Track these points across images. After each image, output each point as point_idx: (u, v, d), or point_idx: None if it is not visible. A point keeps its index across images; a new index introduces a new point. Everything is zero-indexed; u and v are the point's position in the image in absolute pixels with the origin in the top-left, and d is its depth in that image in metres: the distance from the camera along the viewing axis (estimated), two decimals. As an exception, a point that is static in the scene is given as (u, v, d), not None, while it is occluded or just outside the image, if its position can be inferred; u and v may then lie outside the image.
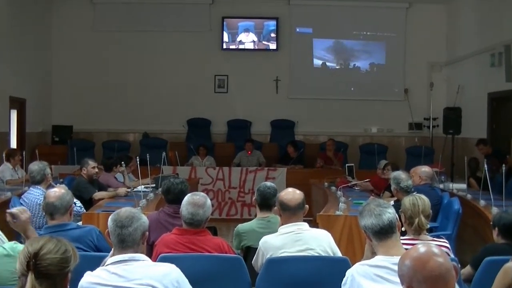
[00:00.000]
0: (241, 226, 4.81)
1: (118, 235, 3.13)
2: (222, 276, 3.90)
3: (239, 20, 13.55)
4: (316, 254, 4.08)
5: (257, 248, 4.40)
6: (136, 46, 13.43)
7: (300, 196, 4.27)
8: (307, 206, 4.32)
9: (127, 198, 7.38)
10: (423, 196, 4.39)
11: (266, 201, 4.84)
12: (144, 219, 3.22)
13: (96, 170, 7.67)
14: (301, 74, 13.61)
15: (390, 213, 3.18)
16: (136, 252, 3.12)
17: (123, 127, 13.44)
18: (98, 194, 7.46)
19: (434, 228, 6.19)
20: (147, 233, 3.23)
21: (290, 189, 4.35)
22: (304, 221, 4.28)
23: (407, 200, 4.32)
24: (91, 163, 7.64)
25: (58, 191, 4.44)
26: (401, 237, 3.50)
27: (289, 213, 4.20)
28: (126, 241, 3.12)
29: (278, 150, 12.77)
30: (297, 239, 4.10)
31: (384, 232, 3.13)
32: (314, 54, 13.69)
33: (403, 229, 4.26)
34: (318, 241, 4.13)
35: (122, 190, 7.63)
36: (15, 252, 3.19)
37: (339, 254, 4.19)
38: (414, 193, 5.12)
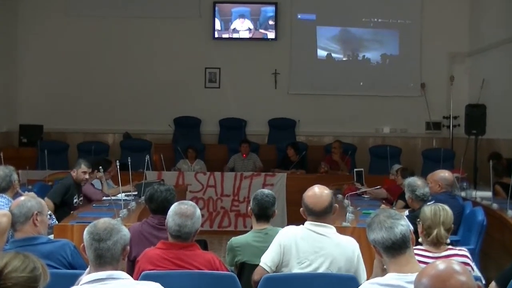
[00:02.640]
0: (235, 240, 4.82)
1: (95, 250, 3.12)
2: (213, 296, 3.90)
3: (233, 5, 13.56)
4: (334, 269, 4.10)
5: (252, 265, 4.40)
6: (115, 34, 13.43)
7: (327, 199, 4.28)
8: (336, 205, 4.37)
9: (106, 208, 7.38)
10: (446, 207, 4.41)
11: (264, 211, 4.85)
12: (125, 232, 3.22)
13: (87, 176, 7.68)
14: (303, 66, 13.61)
15: (403, 226, 3.18)
16: (116, 269, 3.11)
17: (101, 126, 13.42)
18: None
19: (455, 242, 6.20)
20: (128, 247, 3.22)
21: (316, 189, 4.35)
22: None
23: (428, 209, 4.36)
24: (84, 166, 7.64)
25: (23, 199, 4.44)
26: (415, 247, 3.50)
27: (315, 217, 4.26)
28: (104, 256, 3.11)
29: (277, 152, 12.77)
30: (318, 241, 4.16)
31: (396, 248, 3.13)
32: (318, 44, 13.69)
33: (419, 240, 4.28)
34: (342, 250, 4.16)
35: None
36: None
37: (362, 269, 4.20)
38: (433, 202, 5.15)
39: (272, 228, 4.84)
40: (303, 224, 4.30)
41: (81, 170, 7.59)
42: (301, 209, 4.34)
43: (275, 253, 4.22)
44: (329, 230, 4.24)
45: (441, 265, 2.32)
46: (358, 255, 4.19)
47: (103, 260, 3.11)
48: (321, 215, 4.23)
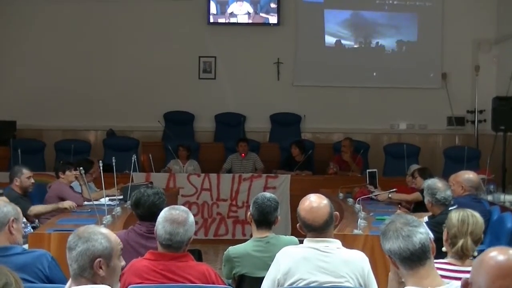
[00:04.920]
0: (232, 249, 4.82)
1: (67, 260, 3.14)
2: (208, 313, 3.90)
3: (230, -15, 13.57)
4: (347, 285, 4.07)
5: (252, 277, 4.40)
6: (97, 20, 13.41)
7: (326, 210, 4.21)
8: (336, 213, 4.31)
9: (87, 214, 7.38)
10: (477, 214, 4.39)
11: (265, 217, 4.84)
12: (98, 241, 3.18)
13: (32, 180, 7.76)
14: (309, 55, 13.60)
15: (422, 234, 3.16)
16: (94, 283, 3.10)
17: (81, 123, 13.41)
18: (34, 209, 7.51)
19: (481, 252, 6.20)
20: (101, 259, 3.19)
21: (312, 201, 4.26)
22: None
23: (455, 215, 4.34)
24: (26, 171, 7.72)
25: None
26: (436, 261, 3.49)
27: (315, 233, 4.20)
28: (73, 268, 3.12)
29: (279, 152, 12.78)
30: (323, 260, 4.11)
31: (415, 259, 3.11)
32: (325, 30, 13.68)
33: (443, 249, 4.26)
34: (350, 267, 4.11)
35: (66, 203, 7.67)
36: None
37: (373, 286, 4.16)
38: (455, 207, 5.15)
39: (275, 236, 4.84)
40: (303, 243, 4.26)
41: (25, 176, 7.70)
42: (298, 224, 4.28)
43: (274, 282, 4.17)
44: (333, 245, 4.19)
45: (502, 255, 2.30)
46: (369, 271, 4.15)
47: (74, 272, 3.12)
48: (322, 229, 4.18)
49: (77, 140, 12.83)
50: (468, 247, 4.18)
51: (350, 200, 8.82)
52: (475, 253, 4.26)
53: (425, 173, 8.37)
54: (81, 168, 7.77)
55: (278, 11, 13.47)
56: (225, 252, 4.85)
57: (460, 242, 4.19)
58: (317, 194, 4.35)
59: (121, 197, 8.43)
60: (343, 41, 13.73)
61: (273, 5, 13.48)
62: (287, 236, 5.05)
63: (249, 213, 4.96)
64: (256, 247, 4.77)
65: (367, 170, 10.11)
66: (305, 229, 4.23)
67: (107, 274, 3.18)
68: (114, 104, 13.35)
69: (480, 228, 4.31)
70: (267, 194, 5.01)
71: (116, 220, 7.01)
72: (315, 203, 4.23)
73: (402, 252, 3.12)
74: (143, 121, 13.38)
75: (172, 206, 4.28)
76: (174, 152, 11.83)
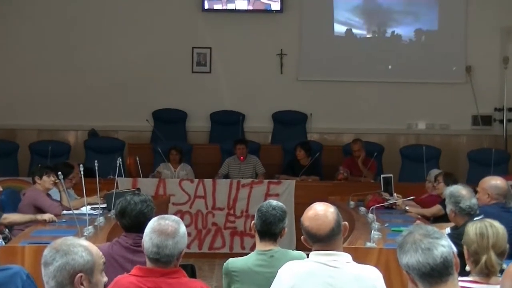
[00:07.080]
0: (232, 262, 4.81)
1: (43, 277, 3.13)
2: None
3: (228, -33, 13.58)
4: None
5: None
6: (78, 8, 13.40)
7: (333, 217, 4.21)
8: (345, 223, 4.30)
9: (67, 225, 7.38)
10: (496, 224, 4.37)
11: (268, 227, 4.83)
12: (80, 254, 3.17)
13: (0, 188, 7.78)
14: (316, 46, 13.61)
15: (444, 247, 3.15)
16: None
17: (60, 122, 13.41)
18: (9, 217, 7.51)
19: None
20: (82, 274, 3.18)
21: (317, 208, 4.27)
22: None
23: (472, 228, 4.32)
24: None
25: None
26: (460, 278, 3.48)
27: (322, 244, 4.18)
28: (51, 286, 3.11)
29: (283, 154, 12.80)
30: (330, 275, 4.08)
31: (436, 275, 3.10)
32: (334, 17, 13.68)
33: (466, 268, 4.25)
34: (362, 284, 4.08)
35: (46, 216, 7.67)
36: None
37: None
38: (481, 217, 5.12)
39: (280, 249, 4.82)
40: (308, 257, 4.24)
41: None
42: (302, 237, 4.28)
43: None
44: (343, 258, 4.17)
45: None
46: (383, 285, 4.15)
47: None
48: (329, 239, 4.17)
49: (54, 141, 12.82)
50: (493, 263, 4.16)
51: (362, 209, 8.82)
52: (504, 266, 4.24)
53: (450, 179, 8.34)
54: (59, 173, 7.77)
55: (281, -4, 13.49)
56: (224, 264, 4.85)
57: (483, 259, 4.17)
58: (323, 203, 4.35)
59: (105, 205, 8.43)
60: (354, 30, 13.73)
61: (275, -10, 13.49)
62: (295, 251, 5.02)
63: (252, 222, 4.95)
64: (259, 261, 4.77)
65: (382, 175, 10.11)
66: (309, 241, 4.22)
67: (88, 291, 3.18)
68: (96, 101, 13.35)
69: (502, 239, 4.29)
70: (274, 202, 5.00)
71: (99, 232, 7.01)
72: (320, 210, 4.24)
73: (421, 267, 3.11)
74: (129, 120, 13.38)
75: (162, 215, 4.25)
76: (164, 155, 11.81)
